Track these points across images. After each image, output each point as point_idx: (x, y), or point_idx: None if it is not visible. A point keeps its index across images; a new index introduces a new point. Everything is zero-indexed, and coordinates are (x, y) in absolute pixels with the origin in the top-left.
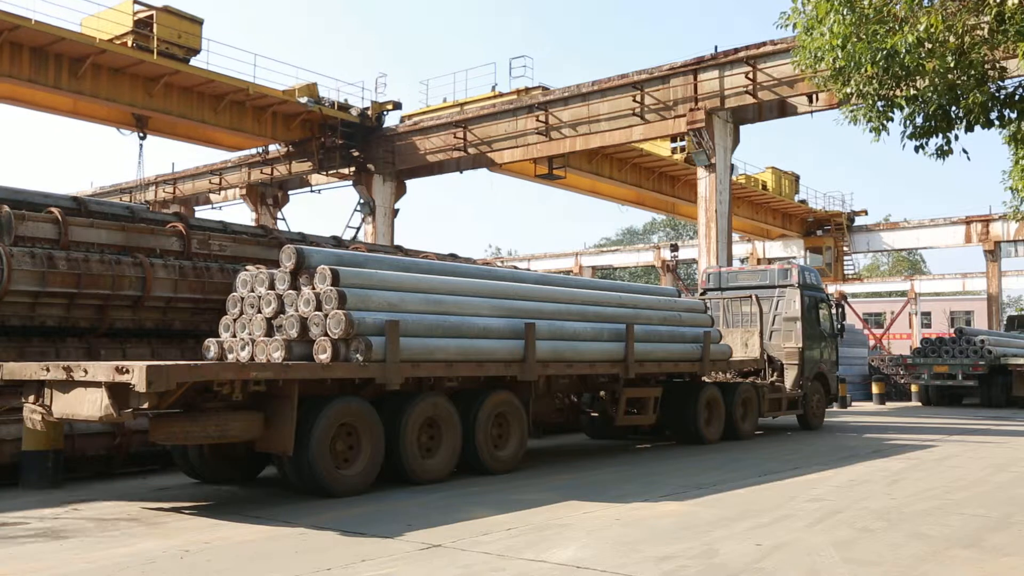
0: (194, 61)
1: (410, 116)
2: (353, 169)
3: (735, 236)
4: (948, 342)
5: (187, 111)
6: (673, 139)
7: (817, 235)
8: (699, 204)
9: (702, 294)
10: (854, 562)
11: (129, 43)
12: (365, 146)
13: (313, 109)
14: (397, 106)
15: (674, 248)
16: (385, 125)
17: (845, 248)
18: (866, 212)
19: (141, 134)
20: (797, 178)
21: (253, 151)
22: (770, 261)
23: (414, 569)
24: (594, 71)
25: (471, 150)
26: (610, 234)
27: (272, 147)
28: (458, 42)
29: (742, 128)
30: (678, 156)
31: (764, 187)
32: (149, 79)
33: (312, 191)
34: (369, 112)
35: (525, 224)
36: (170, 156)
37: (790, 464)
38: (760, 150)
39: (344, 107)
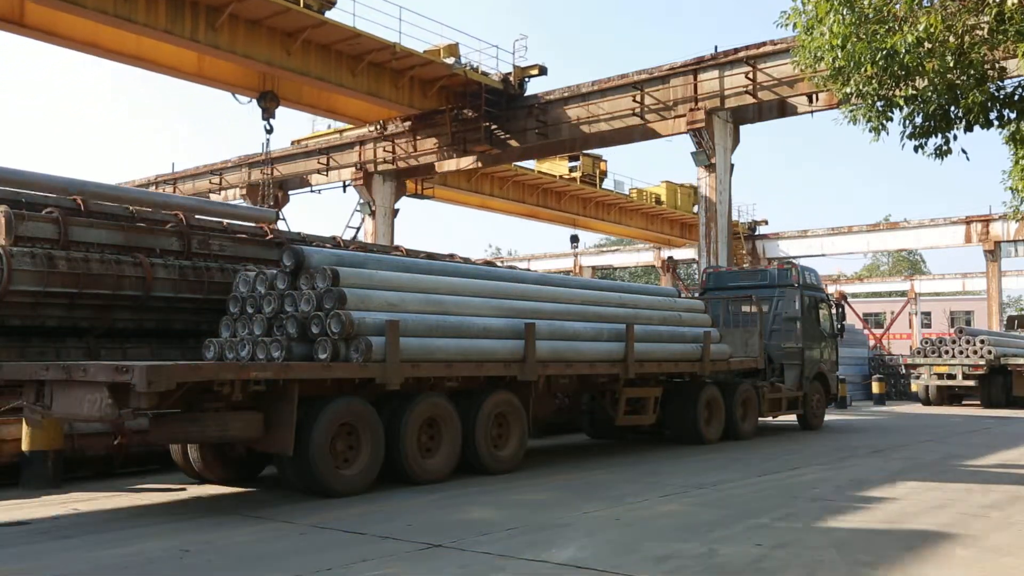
0: (329, 15)
1: (299, 140)
2: (488, 147)
3: (641, 244)
4: (948, 342)
5: (325, 72)
6: (570, 159)
7: None
8: (699, 204)
9: (702, 294)
10: (854, 562)
11: None
12: (506, 118)
13: (458, 72)
14: (543, 71)
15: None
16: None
17: (746, 255)
18: (767, 222)
19: (267, 123)
20: (695, 189)
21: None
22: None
23: (414, 569)
24: (594, 71)
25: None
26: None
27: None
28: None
29: (742, 128)
30: (576, 174)
31: (658, 200)
32: (286, 34)
33: (312, 191)
34: (511, 78)
35: (525, 224)
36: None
37: (790, 464)
38: (758, 150)
39: (483, 72)
